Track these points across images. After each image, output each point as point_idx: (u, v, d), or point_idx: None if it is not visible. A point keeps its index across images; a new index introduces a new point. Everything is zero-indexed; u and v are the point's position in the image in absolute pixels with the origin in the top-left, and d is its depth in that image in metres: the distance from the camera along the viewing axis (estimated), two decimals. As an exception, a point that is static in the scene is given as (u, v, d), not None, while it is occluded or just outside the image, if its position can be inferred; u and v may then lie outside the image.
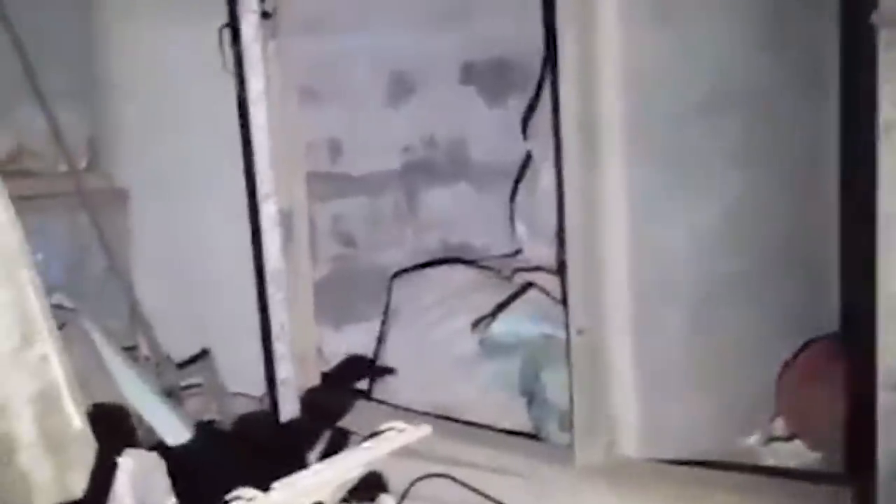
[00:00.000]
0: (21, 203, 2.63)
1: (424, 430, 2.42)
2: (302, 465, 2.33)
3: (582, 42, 3.22)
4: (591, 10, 3.22)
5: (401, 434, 2.40)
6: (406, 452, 2.47)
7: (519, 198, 4.57)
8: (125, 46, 4.14)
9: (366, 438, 2.41)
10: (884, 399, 2.54)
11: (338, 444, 3.19)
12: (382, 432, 2.40)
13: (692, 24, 3.34)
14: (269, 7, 3.70)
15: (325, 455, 2.59)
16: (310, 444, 3.40)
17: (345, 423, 3.58)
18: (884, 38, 2.38)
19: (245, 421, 4.03)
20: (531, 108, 4.50)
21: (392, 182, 4.63)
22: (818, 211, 3.63)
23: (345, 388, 4.17)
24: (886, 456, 2.56)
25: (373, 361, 4.39)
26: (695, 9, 3.34)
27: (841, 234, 3.51)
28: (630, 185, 3.32)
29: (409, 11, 4.44)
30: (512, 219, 4.62)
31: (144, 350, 4.11)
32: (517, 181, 4.60)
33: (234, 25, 3.77)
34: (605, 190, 3.31)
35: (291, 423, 3.76)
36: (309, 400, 3.86)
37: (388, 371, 4.25)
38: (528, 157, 4.49)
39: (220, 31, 3.90)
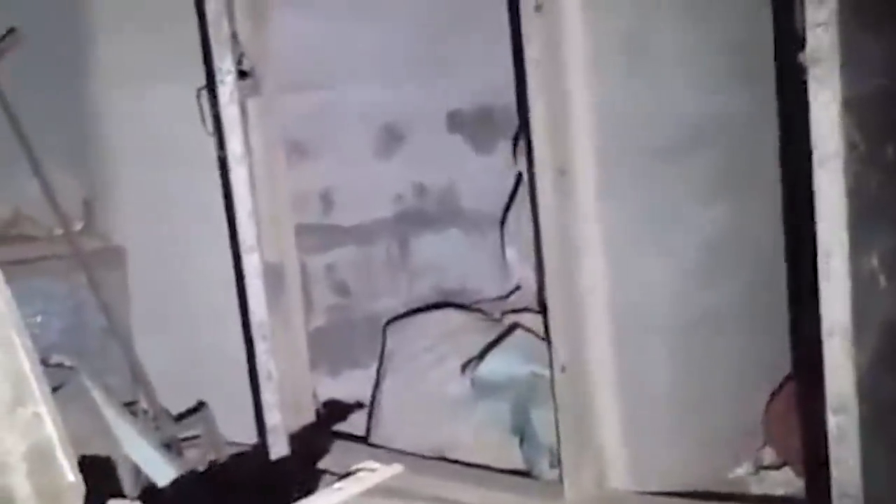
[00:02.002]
0: (20, 267, 2.65)
1: (395, 469, 2.47)
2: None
3: (552, 89, 3.27)
4: (560, 57, 3.28)
5: (373, 474, 2.45)
6: (399, 494, 2.52)
7: (509, 221, 4.64)
8: (118, 110, 4.21)
9: (339, 479, 2.46)
10: (833, 422, 2.58)
11: (312, 484, 3.24)
12: (355, 472, 2.46)
13: (659, 67, 3.41)
14: (246, 66, 3.77)
15: (299, 496, 2.64)
16: (291, 485, 3.43)
17: (327, 464, 3.60)
18: (812, 74, 2.45)
19: (229, 462, 4.09)
20: (519, 133, 4.54)
21: (384, 231, 4.68)
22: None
23: (330, 431, 4.22)
24: (839, 476, 2.59)
25: (351, 404, 4.46)
26: (661, 53, 3.41)
27: (787, 262, 3.55)
28: (606, 225, 3.38)
29: (394, 63, 4.51)
30: (502, 243, 4.68)
31: (143, 404, 4.17)
32: (507, 207, 4.66)
33: (211, 87, 3.85)
34: (581, 230, 3.36)
35: (272, 465, 3.80)
36: (297, 443, 3.89)
37: (360, 406, 4.36)
38: (518, 180, 4.55)
39: (199, 93, 3.97)
